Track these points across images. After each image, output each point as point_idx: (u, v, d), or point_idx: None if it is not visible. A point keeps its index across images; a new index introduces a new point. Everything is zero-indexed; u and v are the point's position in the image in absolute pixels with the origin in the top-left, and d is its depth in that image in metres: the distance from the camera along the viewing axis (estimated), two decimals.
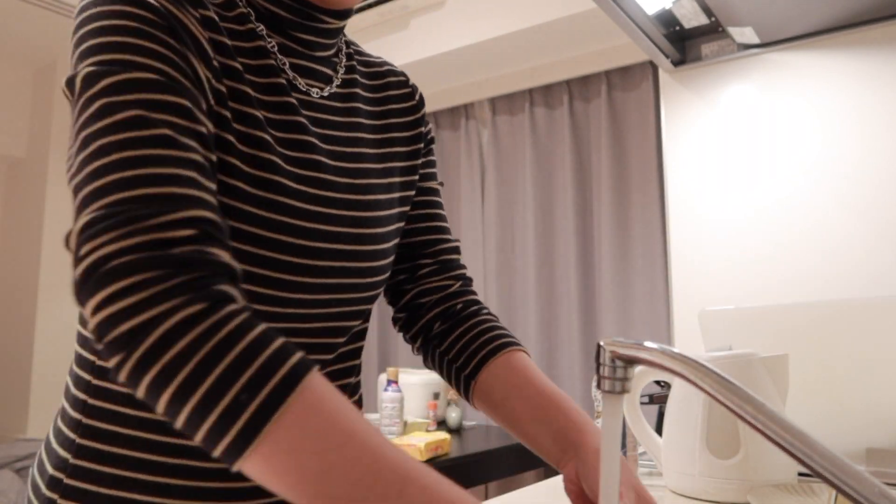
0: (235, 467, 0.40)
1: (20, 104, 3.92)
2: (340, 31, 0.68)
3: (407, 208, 0.74)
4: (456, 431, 2.74)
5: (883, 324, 1.05)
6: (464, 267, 0.80)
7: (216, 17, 0.57)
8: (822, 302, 1.09)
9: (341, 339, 0.67)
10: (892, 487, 0.81)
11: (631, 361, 0.45)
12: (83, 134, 0.46)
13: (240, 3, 0.61)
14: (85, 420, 0.57)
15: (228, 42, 0.57)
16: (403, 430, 2.53)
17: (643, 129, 2.76)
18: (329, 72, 0.68)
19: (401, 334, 0.83)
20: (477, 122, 3.28)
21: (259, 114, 0.58)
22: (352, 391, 0.72)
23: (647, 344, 0.43)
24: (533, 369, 0.70)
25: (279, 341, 0.42)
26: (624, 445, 1.10)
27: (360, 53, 0.76)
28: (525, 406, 0.66)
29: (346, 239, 0.63)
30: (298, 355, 0.42)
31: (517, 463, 2.49)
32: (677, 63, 1.72)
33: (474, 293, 0.79)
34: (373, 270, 0.66)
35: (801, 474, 0.99)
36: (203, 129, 0.50)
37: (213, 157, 0.52)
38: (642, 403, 1.22)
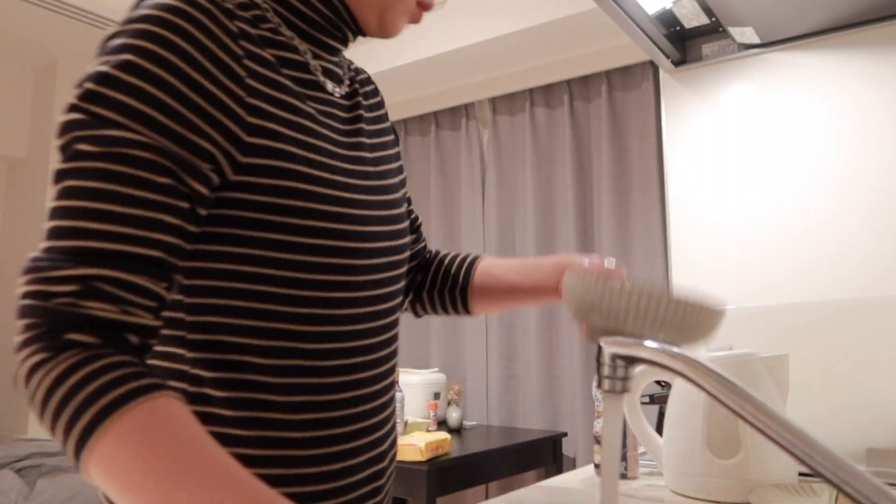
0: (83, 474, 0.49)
1: (20, 104, 3.92)
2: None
3: (405, 191, 0.83)
4: (456, 431, 2.74)
5: (883, 324, 1.04)
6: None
7: (250, 29, 0.60)
8: (822, 302, 1.09)
9: (393, 318, 0.73)
10: (892, 487, 0.80)
11: (631, 361, 0.45)
12: (63, 166, 0.52)
13: (270, 19, 0.65)
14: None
15: (266, 54, 0.61)
16: (404, 429, 2.53)
17: (643, 129, 2.76)
18: (340, 72, 0.73)
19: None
20: (477, 122, 3.28)
21: (308, 120, 0.63)
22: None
23: (648, 343, 0.43)
24: (503, 259, 0.89)
25: (104, 378, 0.48)
26: (624, 445, 1.10)
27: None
28: (520, 270, 0.84)
29: (384, 221, 0.70)
30: (124, 388, 0.47)
31: (517, 463, 2.49)
32: (678, 63, 1.72)
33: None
34: (403, 248, 0.74)
35: (801, 474, 0.99)
36: (189, 186, 0.54)
37: (202, 190, 0.56)
38: (643, 403, 1.22)
